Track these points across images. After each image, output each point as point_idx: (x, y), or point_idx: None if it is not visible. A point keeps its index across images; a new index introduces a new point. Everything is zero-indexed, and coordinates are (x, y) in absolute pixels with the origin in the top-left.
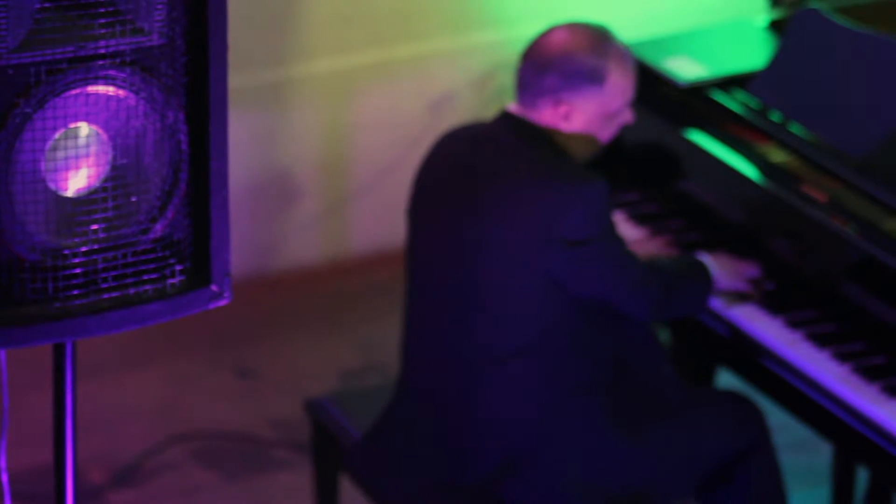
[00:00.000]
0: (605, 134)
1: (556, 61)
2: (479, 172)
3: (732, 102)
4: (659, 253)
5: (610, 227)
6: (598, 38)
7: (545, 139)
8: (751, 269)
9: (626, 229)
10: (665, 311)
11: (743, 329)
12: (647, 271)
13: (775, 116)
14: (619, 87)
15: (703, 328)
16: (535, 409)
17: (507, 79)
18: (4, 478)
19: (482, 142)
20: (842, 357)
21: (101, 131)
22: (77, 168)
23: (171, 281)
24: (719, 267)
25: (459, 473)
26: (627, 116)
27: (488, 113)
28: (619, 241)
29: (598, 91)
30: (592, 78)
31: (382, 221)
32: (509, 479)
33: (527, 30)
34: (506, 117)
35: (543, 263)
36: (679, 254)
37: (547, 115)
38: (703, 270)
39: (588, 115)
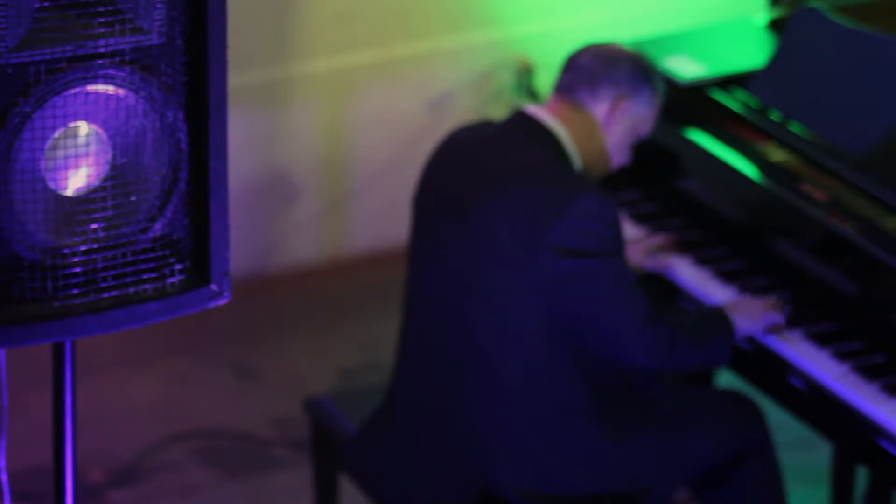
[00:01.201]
0: (620, 157)
1: (627, 58)
2: (484, 170)
3: (732, 101)
4: (666, 254)
5: (613, 251)
6: (649, 60)
7: (554, 143)
8: (775, 316)
9: (626, 228)
10: (667, 360)
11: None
12: (653, 315)
13: (775, 115)
14: (656, 108)
15: None
16: (529, 412)
17: (507, 78)
18: (4, 477)
19: (491, 141)
20: (841, 356)
21: (100, 130)
22: (76, 167)
23: (170, 280)
24: (741, 313)
25: (453, 472)
26: (627, 156)
27: (488, 112)
28: (623, 272)
29: (651, 99)
30: (653, 83)
31: (382, 220)
32: (503, 476)
33: (527, 30)
34: (519, 117)
35: (536, 270)
36: (702, 307)
37: (602, 108)
38: (721, 321)
39: (633, 120)
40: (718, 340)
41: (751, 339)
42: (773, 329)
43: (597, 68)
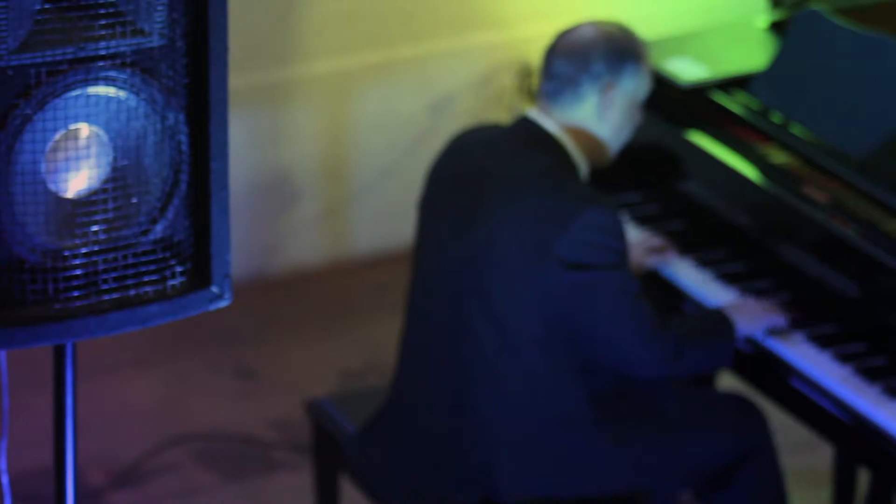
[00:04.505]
0: (625, 133)
1: (597, 46)
2: (489, 176)
3: (733, 103)
4: (666, 254)
5: (619, 262)
6: (622, 27)
7: (559, 149)
8: (776, 318)
9: (627, 230)
10: (672, 369)
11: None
12: (658, 324)
13: (776, 117)
14: (648, 72)
15: None
16: (530, 417)
17: (508, 80)
18: (5, 479)
19: (497, 146)
20: (843, 358)
21: (101, 132)
22: (77, 169)
23: (171, 282)
24: (741, 314)
25: (452, 473)
26: (630, 131)
27: (488, 114)
28: (629, 282)
29: (638, 70)
30: (633, 56)
31: (382, 222)
32: (502, 480)
33: (527, 30)
34: (524, 123)
35: (541, 280)
36: (702, 310)
37: (591, 104)
38: (724, 324)
39: (627, 98)
40: (721, 344)
41: (752, 342)
42: (774, 331)
43: (573, 72)
